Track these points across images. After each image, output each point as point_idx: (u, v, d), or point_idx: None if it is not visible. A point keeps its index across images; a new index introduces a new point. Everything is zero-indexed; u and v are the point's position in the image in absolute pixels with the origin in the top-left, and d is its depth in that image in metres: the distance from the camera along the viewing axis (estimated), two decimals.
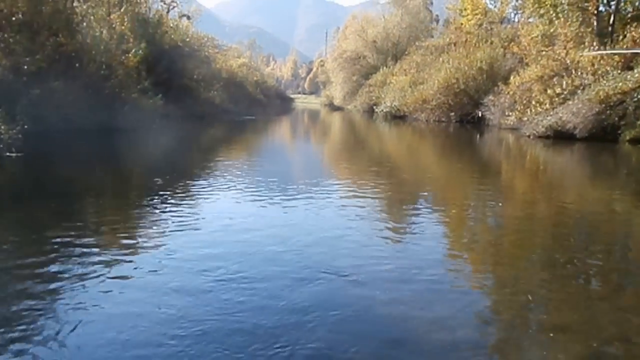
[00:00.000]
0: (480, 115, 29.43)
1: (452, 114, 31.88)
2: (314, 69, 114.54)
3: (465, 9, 40.77)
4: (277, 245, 5.83)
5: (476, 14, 39.53)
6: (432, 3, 59.96)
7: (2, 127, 12.10)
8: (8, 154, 11.68)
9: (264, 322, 3.80)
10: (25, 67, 14.19)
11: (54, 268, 4.92)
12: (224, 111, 31.23)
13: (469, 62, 31.66)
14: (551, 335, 3.84)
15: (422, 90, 34.40)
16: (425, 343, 3.68)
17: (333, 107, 62.70)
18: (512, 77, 26.94)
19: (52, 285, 4.48)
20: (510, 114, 25.55)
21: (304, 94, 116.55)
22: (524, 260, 5.85)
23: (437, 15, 62.32)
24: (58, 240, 5.83)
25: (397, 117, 36.89)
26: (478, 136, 25.17)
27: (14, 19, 14.46)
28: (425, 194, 10.29)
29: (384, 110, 39.04)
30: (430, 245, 6.17)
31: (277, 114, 46.13)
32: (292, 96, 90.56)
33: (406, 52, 46.38)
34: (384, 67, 47.78)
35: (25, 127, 12.56)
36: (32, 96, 13.80)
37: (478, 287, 4.80)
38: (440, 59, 36.05)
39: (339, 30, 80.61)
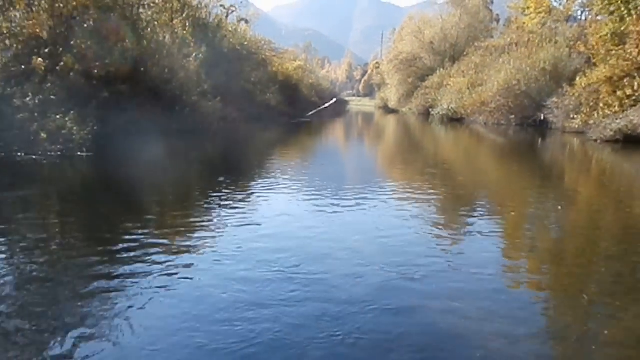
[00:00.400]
0: (542, 118, 28.29)
1: (512, 116, 30.80)
2: (369, 71, 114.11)
3: (528, 8, 39.32)
4: (334, 242, 5.95)
5: (540, 13, 38.03)
6: (492, 2, 58.22)
7: (74, 128, 12.88)
8: (79, 153, 12.43)
9: (328, 311, 4.02)
10: (96, 71, 15.01)
11: (121, 260, 5.22)
12: (279, 113, 31.68)
13: (532, 62, 30.49)
14: (613, 348, 3.63)
15: (481, 92, 33.48)
16: (480, 342, 3.60)
17: (387, 110, 62.22)
18: (578, 78, 25.71)
19: (121, 275, 4.75)
20: (576, 117, 24.39)
21: (358, 96, 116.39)
22: (586, 268, 5.58)
23: (497, 15, 60.46)
24: (125, 234, 6.17)
25: (454, 120, 36.10)
26: (540, 140, 24.19)
27: (85, 25, 15.33)
28: (482, 197, 10.02)
29: (440, 113, 38.31)
30: (487, 248, 6.02)
31: (331, 116, 46.33)
32: (346, 98, 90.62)
33: (464, 53, 45.28)
34: (441, 69, 46.88)
35: (95, 128, 13.31)
36: (100, 99, 14.58)
37: (535, 292, 4.66)
38: (501, 59, 34.93)
39: (394, 32, 79.85)
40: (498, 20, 59.53)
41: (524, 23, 39.30)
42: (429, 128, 34.48)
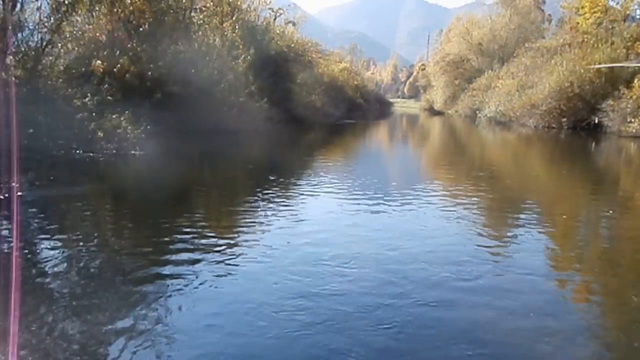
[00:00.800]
0: (596, 121, 27.19)
1: (564, 119, 29.74)
2: (415, 73, 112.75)
3: (582, 7, 37.79)
4: (380, 240, 6.06)
5: (595, 12, 36.49)
6: (544, 2, 56.37)
7: (129, 127, 13.46)
8: (132, 152, 12.96)
9: (377, 304, 4.18)
10: (149, 73, 15.64)
11: (172, 253, 5.47)
12: (324, 115, 31.88)
13: (586, 64, 29.36)
14: None
15: (531, 95, 32.51)
16: (524, 341, 3.59)
17: (433, 112, 61.42)
18: (636, 80, 24.58)
19: (173, 267, 4.99)
20: (633, 120, 23.34)
21: (403, 98, 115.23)
22: (638, 274, 5.39)
23: (549, 15, 58.44)
24: (175, 228, 6.46)
25: (502, 123, 35.23)
26: (593, 144, 23.28)
27: (141, 29, 16.01)
28: (531, 201, 9.77)
29: (488, 115, 37.47)
30: (535, 253, 5.91)
31: (375, 118, 46.19)
32: (391, 100, 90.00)
33: (514, 55, 44.07)
34: (489, 71, 45.85)
35: (148, 127, 13.85)
36: (154, 100, 15.18)
37: (586, 301, 4.54)
38: (553, 61, 33.80)
39: (441, 33, 78.67)
40: (550, 21, 57.51)
41: (578, 23, 37.78)
42: (476, 130, 33.83)
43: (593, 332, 3.91)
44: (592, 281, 5.08)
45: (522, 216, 7.99)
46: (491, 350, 3.56)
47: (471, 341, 3.62)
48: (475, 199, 9.16)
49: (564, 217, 8.02)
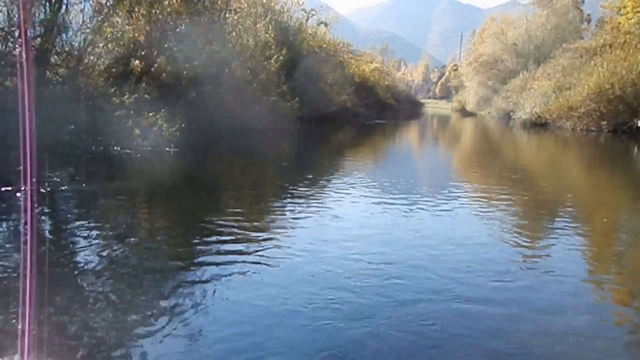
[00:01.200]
0: (638, 124, 26.28)
1: (604, 122, 28.84)
2: (446, 74, 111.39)
3: (624, 7, 36.61)
4: (411, 241, 6.04)
5: (638, 12, 35.29)
6: (583, 1, 54.81)
7: (164, 125, 13.75)
8: (167, 148, 13.24)
9: (413, 299, 4.25)
10: (185, 72, 15.95)
11: (204, 245, 5.61)
12: (354, 115, 31.85)
13: (628, 65, 28.41)
14: None
15: (569, 96, 31.63)
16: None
17: (465, 113, 60.56)
18: None
19: (205, 259, 5.12)
20: None
21: (434, 98, 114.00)
22: None
23: (588, 15, 56.75)
24: (208, 223, 6.60)
25: (537, 125, 34.39)
26: (636, 148, 22.50)
27: (177, 30, 16.35)
28: (567, 205, 9.53)
29: (523, 117, 36.65)
30: (572, 257, 5.78)
31: (406, 118, 45.86)
32: (422, 101, 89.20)
33: (551, 55, 42.98)
34: (524, 72, 44.83)
35: (182, 125, 14.12)
36: (189, 98, 15.47)
37: (624, 304, 4.42)
38: (592, 62, 32.82)
39: (475, 34, 77.51)
40: (589, 21, 55.84)
41: (620, 23, 36.61)
42: (509, 133, 33.17)
43: (627, 338, 3.80)
44: (631, 287, 4.92)
45: (558, 220, 7.81)
46: (521, 346, 3.52)
47: (504, 337, 3.63)
48: (510, 201, 9.00)
49: (604, 221, 7.80)
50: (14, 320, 3.58)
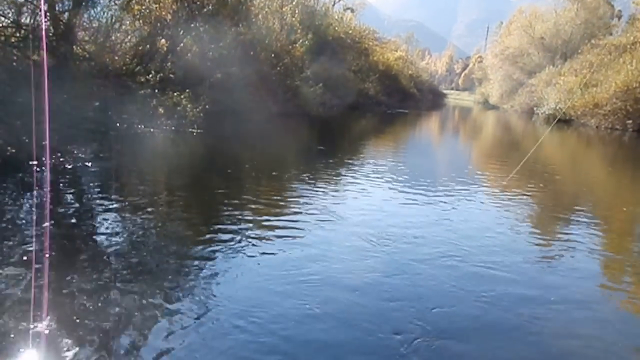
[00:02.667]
0: None
1: (630, 121, 28.21)
2: (471, 65, 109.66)
3: None
4: (426, 235, 6.04)
5: None
6: None
7: (188, 106, 13.86)
8: (190, 130, 13.37)
9: (419, 294, 4.26)
10: (210, 53, 16.00)
11: (221, 224, 5.79)
12: (377, 103, 31.68)
13: None
14: None
15: (595, 94, 30.97)
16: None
17: (487, 106, 59.72)
18: None
19: (220, 236, 5.23)
20: None
21: (457, 89, 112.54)
22: None
23: (619, 11, 55.14)
24: (227, 203, 6.81)
25: (561, 121, 33.76)
26: None
27: (204, 10, 16.35)
28: (585, 206, 9.37)
29: (546, 113, 35.99)
30: (588, 255, 5.76)
31: (428, 109, 45.43)
32: (444, 92, 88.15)
33: (578, 51, 42.04)
34: (550, 66, 43.96)
35: (207, 107, 14.21)
36: (214, 80, 15.53)
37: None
38: (621, 59, 32.02)
39: (501, 26, 75.87)
40: (620, 17, 54.26)
41: None
42: (532, 128, 32.66)
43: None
44: None
45: (572, 223, 7.68)
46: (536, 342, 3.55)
47: (520, 331, 3.67)
48: (525, 199, 8.91)
49: (616, 227, 7.70)
50: (28, 290, 3.72)
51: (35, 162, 7.50)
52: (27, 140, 7.95)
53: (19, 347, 3.06)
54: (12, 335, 3.16)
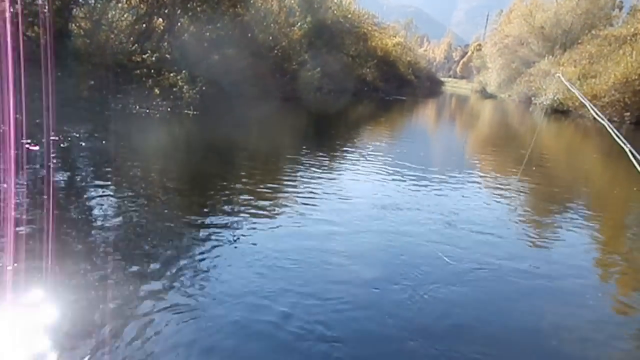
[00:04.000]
0: None
1: (627, 114, 28.22)
2: (469, 53, 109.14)
3: None
4: (419, 223, 6.03)
5: None
6: None
7: (185, 87, 13.69)
8: (186, 111, 13.23)
9: (409, 285, 4.19)
10: (207, 34, 15.78)
11: (213, 208, 5.75)
12: (374, 89, 31.50)
13: None
14: None
15: (593, 85, 30.92)
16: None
17: (485, 94, 59.57)
18: None
19: (212, 220, 5.17)
20: None
21: (455, 77, 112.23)
22: None
23: (621, 2, 54.90)
24: (218, 187, 6.80)
25: (559, 112, 33.78)
26: None
27: None
28: (579, 197, 9.40)
29: (544, 103, 35.94)
30: (578, 253, 5.72)
31: (425, 96, 45.28)
32: (442, 79, 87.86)
33: (578, 41, 41.87)
34: (550, 56, 43.79)
35: (203, 88, 14.04)
36: (211, 61, 15.33)
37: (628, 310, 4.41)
38: (621, 51, 31.92)
39: (501, 14, 75.38)
40: (621, 8, 54.02)
41: None
42: (529, 118, 32.63)
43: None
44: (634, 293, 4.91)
45: (565, 214, 7.65)
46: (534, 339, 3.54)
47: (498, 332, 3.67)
48: (520, 190, 8.88)
49: (609, 220, 7.71)
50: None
51: (27, 141, 7.38)
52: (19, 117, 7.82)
53: None
54: None
